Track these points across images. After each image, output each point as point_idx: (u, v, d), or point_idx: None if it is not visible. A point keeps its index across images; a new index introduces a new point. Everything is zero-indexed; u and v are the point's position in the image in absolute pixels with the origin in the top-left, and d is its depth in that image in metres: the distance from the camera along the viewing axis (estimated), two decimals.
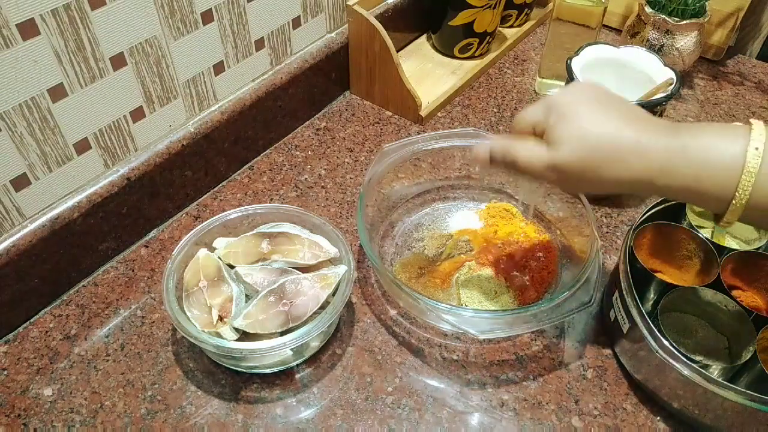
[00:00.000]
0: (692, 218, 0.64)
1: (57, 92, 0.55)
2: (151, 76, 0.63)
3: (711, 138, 0.42)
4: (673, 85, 0.70)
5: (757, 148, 0.40)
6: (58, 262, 0.62)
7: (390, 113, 0.88)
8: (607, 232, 0.73)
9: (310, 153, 0.82)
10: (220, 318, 0.54)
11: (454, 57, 0.98)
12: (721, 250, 0.60)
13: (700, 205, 0.46)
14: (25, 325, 0.61)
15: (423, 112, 0.86)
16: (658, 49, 0.88)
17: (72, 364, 0.58)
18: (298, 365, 0.59)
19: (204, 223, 0.62)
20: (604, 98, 0.46)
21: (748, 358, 0.52)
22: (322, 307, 0.56)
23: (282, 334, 0.54)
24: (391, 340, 0.62)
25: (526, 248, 0.69)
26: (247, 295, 0.58)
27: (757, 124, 0.42)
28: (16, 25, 0.49)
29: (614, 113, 0.45)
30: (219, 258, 0.59)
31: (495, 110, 0.90)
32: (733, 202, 0.41)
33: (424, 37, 1.03)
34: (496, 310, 0.62)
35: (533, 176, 0.49)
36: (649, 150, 0.43)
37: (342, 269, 0.58)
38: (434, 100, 0.88)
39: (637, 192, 0.47)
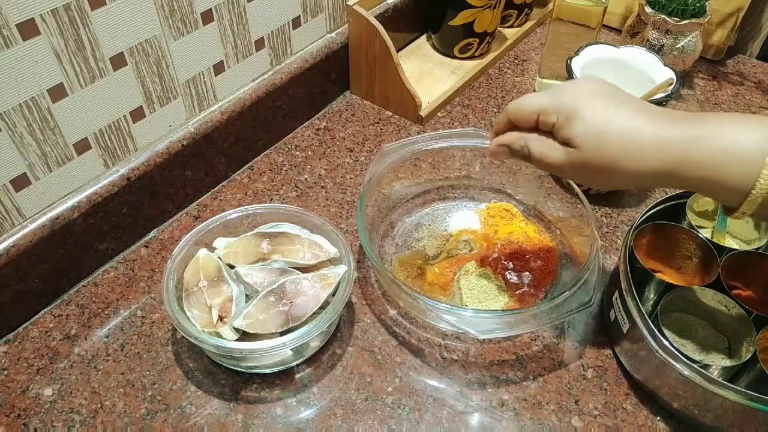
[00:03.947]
0: (692, 218, 0.64)
1: (57, 92, 0.55)
2: (151, 76, 0.63)
3: (731, 129, 0.42)
4: (673, 85, 0.70)
5: None
6: (58, 262, 0.62)
7: (390, 113, 0.88)
8: (607, 232, 0.73)
9: (310, 153, 0.82)
10: (220, 318, 0.54)
11: (454, 57, 0.98)
12: (721, 250, 0.60)
13: (714, 196, 0.46)
14: (25, 325, 0.61)
15: (423, 112, 0.86)
16: (658, 49, 0.88)
17: (72, 364, 0.58)
18: (298, 365, 0.59)
19: (204, 223, 0.62)
20: (612, 92, 0.46)
21: (748, 358, 0.52)
22: (322, 307, 0.56)
23: (282, 334, 0.54)
24: (391, 340, 0.62)
25: (526, 248, 0.69)
26: (247, 295, 0.58)
27: None
28: (16, 25, 0.49)
29: (627, 107, 0.45)
30: (219, 258, 0.59)
31: (495, 110, 0.90)
32: (751, 195, 0.41)
33: (424, 37, 1.03)
34: (496, 310, 0.62)
35: (544, 169, 0.48)
36: (669, 142, 0.43)
37: (342, 269, 0.58)
38: (434, 100, 0.88)
39: (656, 184, 0.47)
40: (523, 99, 0.49)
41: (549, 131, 0.48)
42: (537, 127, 0.48)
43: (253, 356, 0.55)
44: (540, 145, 0.48)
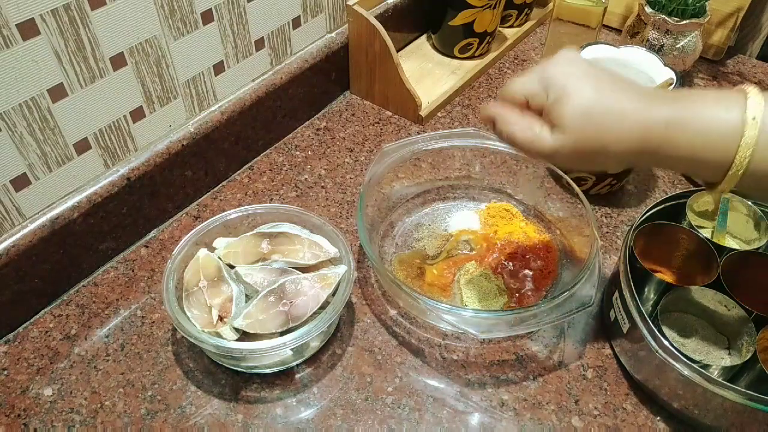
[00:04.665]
0: (692, 218, 0.64)
1: (57, 92, 0.55)
2: (151, 76, 0.63)
3: (709, 107, 0.43)
4: (673, 85, 0.70)
5: (754, 118, 0.41)
6: (58, 262, 0.62)
7: (390, 113, 0.88)
8: (607, 232, 0.73)
9: (310, 153, 0.82)
10: (220, 318, 0.54)
11: (454, 57, 0.98)
12: (721, 250, 0.60)
13: (696, 173, 0.46)
14: (25, 325, 0.61)
15: (423, 112, 0.86)
16: (658, 49, 0.88)
17: (72, 364, 0.58)
18: (298, 365, 0.59)
19: (204, 223, 0.62)
20: (596, 72, 0.46)
21: (748, 358, 0.52)
22: (322, 307, 0.56)
23: (282, 334, 0.54)
24: (391, 340, 0.62)
25: (526, 248, 0.69)
26: (247, 295, 0.58)
27: (752, 91, 0.42)
28: (16, 25, 0.49)
29: (612, 87, 0.45)
30: (219, 258, 0.59)
31: None
32: (730, 172, 0.42)
33: (424, 37, 1.03)
34: (496, 310, 0.62)
35: (531, 156, 0.48)
36: (651, 124, 0.43)
37: (342, 269, 0.58)
38: (434, 100, 0.88)
39: (637, 165, 0.47)
40: (512, 84, 0.48)
41: (539, 113, 0.47)
42: (528, 107, 0.48)
43: (253, 356, 0.55)
44: (526, 133, 0.46)
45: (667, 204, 0.65)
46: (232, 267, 0.59)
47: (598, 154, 0.45)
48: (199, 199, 0.75)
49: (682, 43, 0.87)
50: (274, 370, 0.58)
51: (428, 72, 0.95)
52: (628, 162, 0.46)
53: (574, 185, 0.66)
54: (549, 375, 0.59)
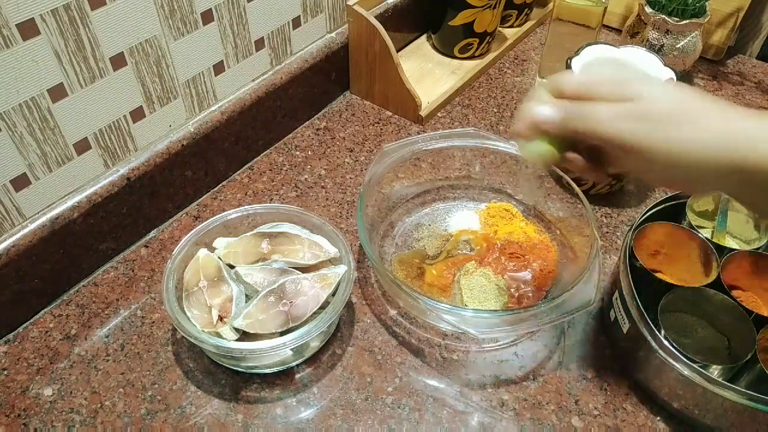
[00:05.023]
0: (692, 218, 0.64)
1: (57, 92, 0.55)
2: (151, 76, 0.63)
3: None
4: None
5: None
6: (58, 262, 0.62)
7: (390, 113, 0.88)
8: (607, 232, 0.73)
9: (310, 153, 0.82)
10: (220, 318, 0.54)
11: (454, 57, 0.98)
12: (721, 250, 0.60)
13: None
14: (25, 325, 0.61)
15: (423, 112, 0.86)
16: (658, 49, 0.88)
17: (72, 364, 0.58)
18: (298, 365, 0.59)
19: (204, 223, 0.62)
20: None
21: (748, 358, 0.52)
22: (322, 307, 0.56)
23: (282, 334, 0.54)
24: (391, 340, 0.61)
25: (526, 248, 0.69)
26: (247, 295, 0.58)
27: None
28: (16, 25, 0.49)
29: (694, 91, 0.41)
30: (219, 258, 0.59)
31: (495, 110, 0.90)
32: None
33: (424, 37, 1.03)
34: (496, 310, 0.62)
35: (601, 140, 0.42)
36: (735, 116, 0.39)
37: (342, 269, 0.58)
38: (434, 100, 0.88)
39: (724, 182, 0.40)
40: (577, 78, 0.45)
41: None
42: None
43: (253, 356, 0.55)
44: (601, 107, 0.41)
45: (667, 204, 0.65)
46: (232, 267, 0.59)
47: (672, 128, 0.39)
48: (199, 199, 0.75)
49: (682, 43, 0.87)
50: (274, 370, 0.58)
51: (428, 72, 0.95)
52: (704, 171, 0.39)
53: (574, 185, 0.66)
54: (549, 375, 0.59)
